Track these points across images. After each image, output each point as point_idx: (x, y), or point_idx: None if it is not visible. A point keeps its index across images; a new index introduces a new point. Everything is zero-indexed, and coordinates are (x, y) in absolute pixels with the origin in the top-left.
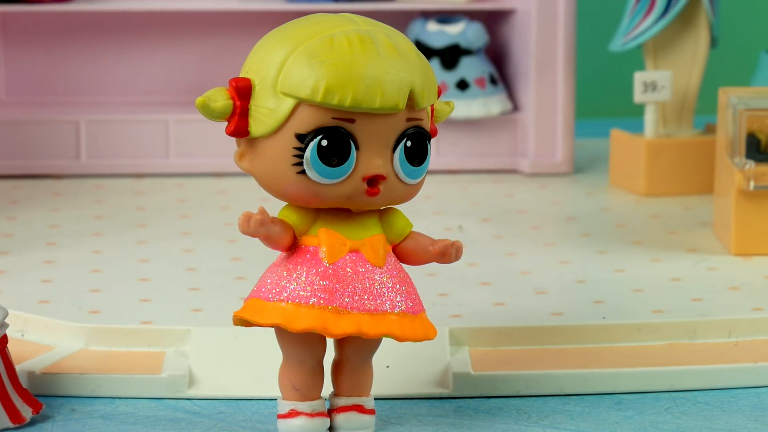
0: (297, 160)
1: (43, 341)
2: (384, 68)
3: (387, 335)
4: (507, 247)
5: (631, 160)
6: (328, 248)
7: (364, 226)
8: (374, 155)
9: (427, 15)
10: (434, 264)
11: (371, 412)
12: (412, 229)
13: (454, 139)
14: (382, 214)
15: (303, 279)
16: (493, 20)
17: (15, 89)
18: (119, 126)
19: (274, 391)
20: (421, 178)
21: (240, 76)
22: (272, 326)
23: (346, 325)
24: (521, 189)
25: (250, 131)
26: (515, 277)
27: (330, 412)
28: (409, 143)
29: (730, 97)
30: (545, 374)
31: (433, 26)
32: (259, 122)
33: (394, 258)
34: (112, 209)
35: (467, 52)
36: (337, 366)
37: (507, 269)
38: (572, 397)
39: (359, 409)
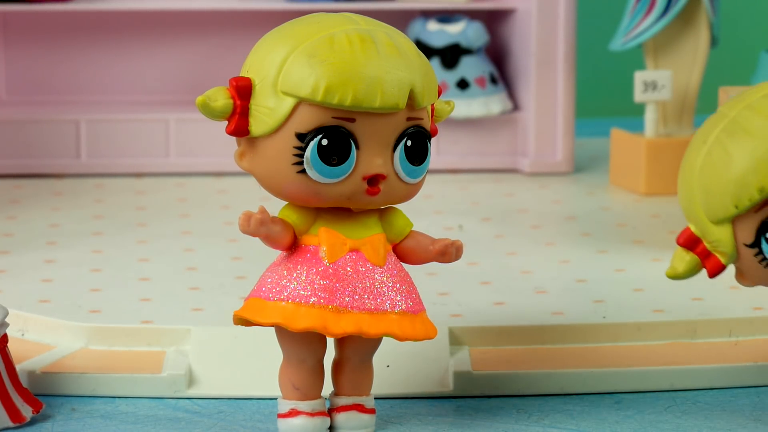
0: (297, 159)
1: (43, 340)
2: (384, 68)
3: (387, 335)
4: (507, 247)
5: (632, 159)
6: (329, 247)
7: (364, 225)
8: (374, 154)
9: (427, 14)
10: (434, 263)
11: (371, 411)
12: (413, 229)
13: (455, 139)
14: (383, 214)
15: (303, 278)
16: (494, 19)
17: (15, 88)
18: (120, 125)
19: (275, 391)
20: (422, 177)
21: (240, 75)
22: (272, 325)
23: (347, 325)
24: (521, 188)
25: (251, 131)
26: (515, 277)
27: (330, 412)
28: (409, 142)
29: (730, 96)
30: (545, 373)
31: (433, 25)
32: (260, 121)
33: (394, 257)
34: (112, 208)
35: (467, 51)
36: (337, 365)
37: (507, 268)
38: (572, 396)
39: (359, 408)
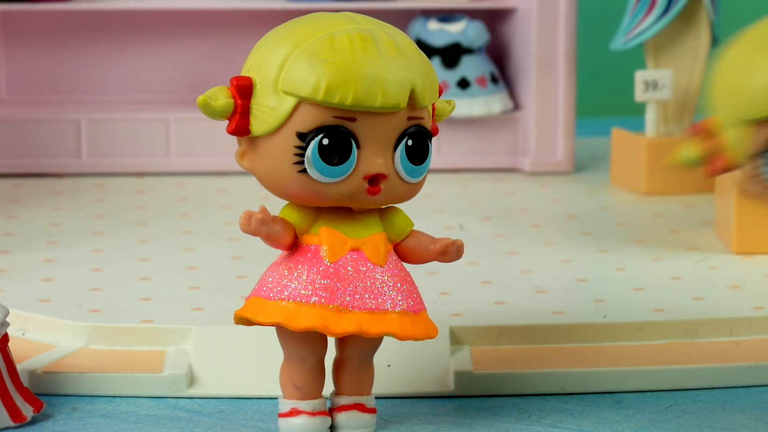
0: (298, 158)
1: (43, 340)
2: (385, 67)
3: (388, 334)
4: (508, 246)
5: (632, 158)
6: (329, 247)
7: (365, 224)
8: (375, 154)
9: (428, 14)
10: (435, 263)
11: (372, 410)
12: (413, 228)
13: (455, 138)
14: (383, 213)
15: (304, 278)
16: (494, 19)
17: (16, 88)
18: (120, 125)
19: (275, 390)
20: (422, 176)
21: (241, 74)
22: (273, 325)
23: (347, 324)
24: (522, 188)
25: (251, 130)
26: (516, 276)
27: (331, 411)
28: (410, 142)
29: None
30: (546, 373)
31: (434, 25)
32: (260, 121)
33: (395, 257)
34: (112, 208)
35: (468, 50)
36: (338, 365)
37: (508, 268)
38: (573, 396)
39: (360, 407)
